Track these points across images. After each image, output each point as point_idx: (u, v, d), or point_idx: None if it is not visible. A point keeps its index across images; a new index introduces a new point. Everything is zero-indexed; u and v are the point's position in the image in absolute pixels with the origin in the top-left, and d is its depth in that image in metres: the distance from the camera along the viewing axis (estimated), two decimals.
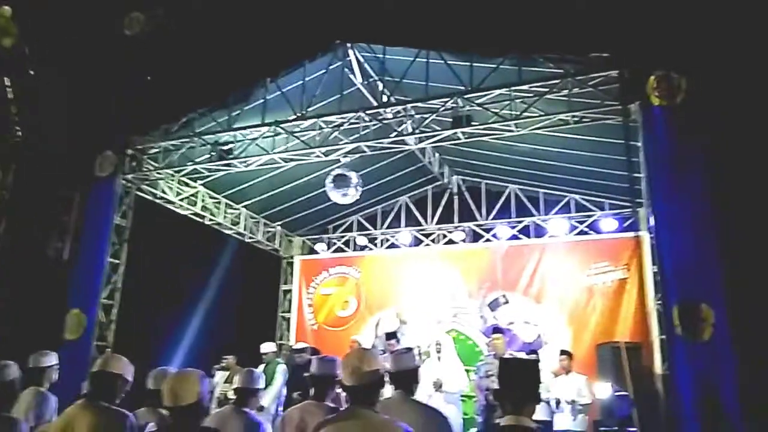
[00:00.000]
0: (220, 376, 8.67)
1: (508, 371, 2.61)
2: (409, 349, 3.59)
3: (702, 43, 6.44)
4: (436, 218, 11.88)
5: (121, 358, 3.46)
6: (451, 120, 7.68)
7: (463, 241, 11.54)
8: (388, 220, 12.30)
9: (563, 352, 8.03)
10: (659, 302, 7.10)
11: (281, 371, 8.10)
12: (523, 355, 8.51)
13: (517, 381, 2.52)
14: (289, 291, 12.75)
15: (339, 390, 3.84)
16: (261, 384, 4.20)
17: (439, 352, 8.34)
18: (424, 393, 8.08)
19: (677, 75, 6.26)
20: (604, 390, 7.38)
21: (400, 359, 3.32)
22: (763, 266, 7.05)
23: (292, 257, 12.96)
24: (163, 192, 9.78)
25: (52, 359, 4.52)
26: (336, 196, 8.98)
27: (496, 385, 6.65)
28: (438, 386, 7.90)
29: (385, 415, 2.66)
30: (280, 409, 7.86)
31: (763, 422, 5.63)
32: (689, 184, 6.01)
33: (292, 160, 8.87)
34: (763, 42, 6.60)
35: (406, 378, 3.25)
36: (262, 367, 8.15)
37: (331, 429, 2.62)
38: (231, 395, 4.69)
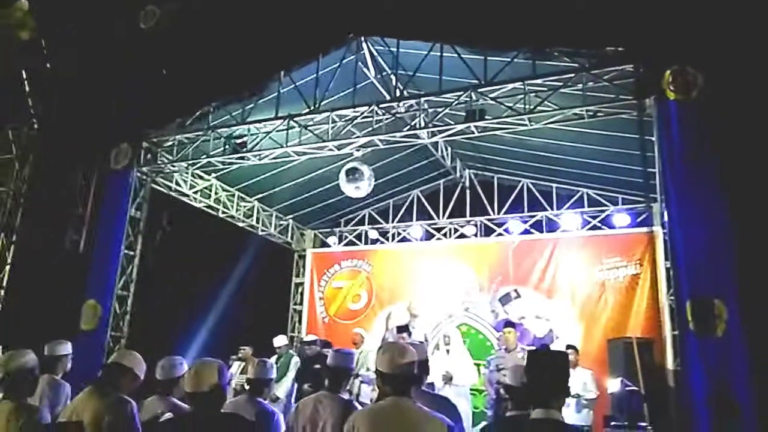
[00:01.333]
0: (236, 366, 8.78)
1: (537, 363, 2.60)
2: (422, 342, 3.66)
3: (718, 37, 6.37)
4: (447, 212, 11.88)
5: (136, 356, 3.62)
6: (464, 114, 7.67)
7: (475, 235, 11.54)
8: (400, 213, 12.32)
9: (569, 347, 8.05)
10: (672, 298, 7.08)
11: (294, 364, 8.19)
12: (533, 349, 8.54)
13: (547, 373, 2.50)
14: (301, 284, 12.83)
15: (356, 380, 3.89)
16: (273, 374, 4.28)
17: (447, 344, 8.37)
18: (434, 386, 8.12)
19: (693, 70, 6.21)
20: (614, 385, 7.37)
21: (414, 350, 3.38)
22: None
23: (304, 250, 13.03)
24: (177, 185, 9.87)
25: (67, 348, 4.62)
26: (349, 190, 9.02)
27: (506, 379, 6.68)
28: (448, 379, 7.92)
29: (424, 407, 2.70)
30: (292, 399, 7.95)
31: None
32: (704, 179, 5.98)
33: (305, 153, 8.91)
34: None
35: (418, 369, 3.27)
36: (274, 358, 8.24)
37: (367, 416, 2.69)
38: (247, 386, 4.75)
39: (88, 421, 3.19)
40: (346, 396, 3.52)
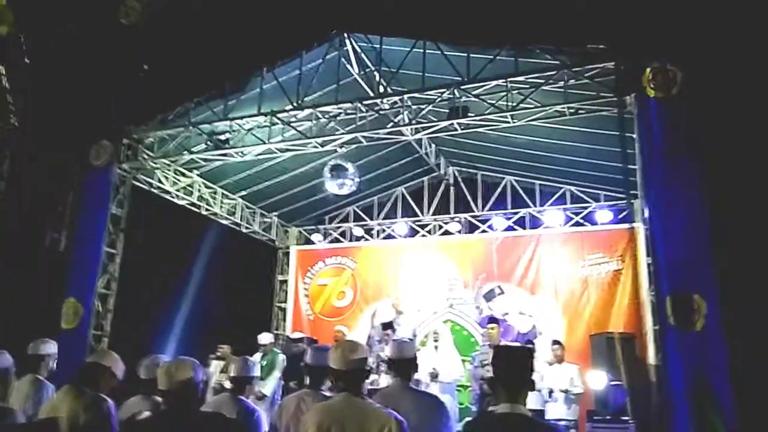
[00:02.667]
0: (215, 365, 8.72)
1: (501, 358, 2.64)
2: (411, 339, 3.70)
3: (698, 35, 6.45)
4: (432, 209, 11.91)
5: (113, 355, 3.59)
6: (447, 111, 7.68)
7: (459, 232, 11.58)
8: (385, 210, 12.33)
9: (555, 342, 8.11)
10: (653, 293, 7.15)
11: (280, 361, 8.17)
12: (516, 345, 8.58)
13: (511, 368, 2.54)
14: (286, 281, 12.78)
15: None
16: (256, 372, 4.25)
17: (436, 341, 8.37)
18: (420, 383, 8.14)
19: (673, 67, 6.27)
20: (600, 380, 7.44)
21: (401, 348, 3.44)
22: (756, 258, 7.11)
23: (288, 248, 12.98)
24: (159, 182, 9.77)
25: (51, 347, 4.50)
26: (333, 187, 9.00)
27: (491, 375, 6.70)
28: (434, 376, 7.95)
29: (376, 403, 2.74)
30: (278, 397, 7.93)
31: (754, 412, 5.69)
32: (684, 176, 6.05)
33: (288, 150, 8.87)
34: (758, 35, 6.62)
35: (406, 366, 3.35)
36: (258, 356, 8.21)
37: (317, 412, 2.71)
38: (227, 385, 4.72)
39: (64, 420, 3.16)
40: (327, 393, 3.51)
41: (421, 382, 7.96)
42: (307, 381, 3.68)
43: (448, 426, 3.17)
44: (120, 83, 9.07)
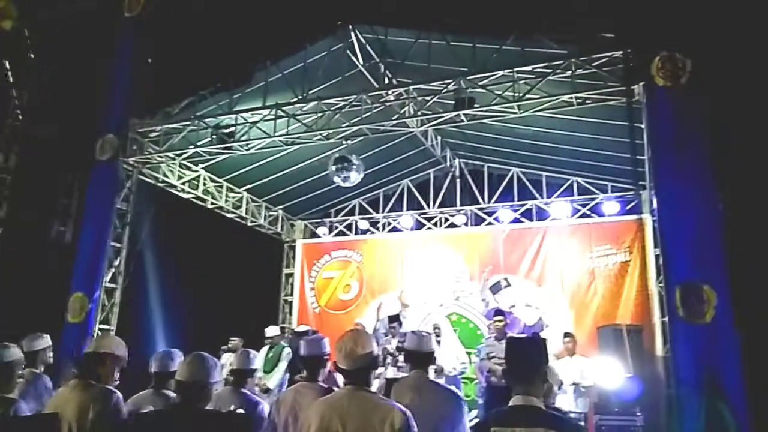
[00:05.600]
0: (226, 357, 8.73)
1: (515, 350, 2.61)
2: (429, 333, 3.74)
3: (706, 24, 6.36)
4: (438, 202, 11.87)
5: (109, 336, 3.57)
6: (453, 102, 7.62)
7: (465, 224, 11.53)
8: (390, 203, 12.29)
9: (567, 335, 8.04)
10: (661, 285, 7.09)
11: (286, 354, 8.15)
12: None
13: (523, 360, 2.51)
14: (291, 275, 12.79)
15: (330, 369, 3.88)
16: (257, 364, 4.29)
17: (438, 336, 8.32)
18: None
19: (682, 56, 6.20)
20: (615, 372, 7.34)
21: (421, 341, 3.56)
22: (767, 249, 7.03)
23: (294, 241, 12.98)
24: (165, 176, 9.75)
25: (44, 341, 4.54)
26: (338, 180, 8.96)
27: (497, 367, 6.66)
28: (440, 371, 7.92)
29: (381, 396, 2.72)
30: (284, 390, 7.92)
31: (764, 404, 5.64)
32: (693, 166, 5.98)
33: (293, 143, 8.84)
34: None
35: (425, 359, 3.48)
36: (265, 349, 8.20)
37: (320, 406, 2.68)
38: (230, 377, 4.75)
39: (72, 414, 3.14)
40: (324, 385, 3.50)
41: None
42: (304, 373, 3.66)
43: (462, 421, 3.25)
44: (125, 77, 9.05)
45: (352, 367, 2.67)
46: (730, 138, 6.91)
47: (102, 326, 8.63)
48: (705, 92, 6.16)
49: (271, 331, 8.64)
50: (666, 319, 6.68)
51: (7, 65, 10.09)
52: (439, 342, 8.25)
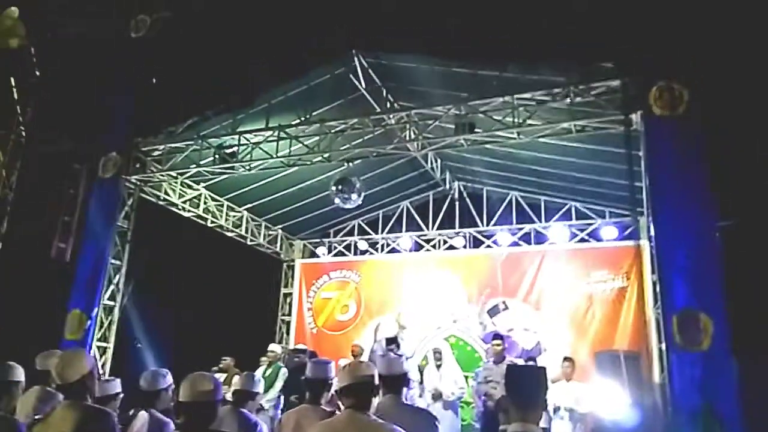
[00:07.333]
0: (217, 377, 8.69)
1: (514, 377, 2.63)
2: (400, 356, 3.72)
3: (704, 54, 6.47)
4: (437, 224, 11.92)
5: (76, 354, 3.29)
6: (453, 126, 7.71)
7: (464, 246, 11.57)
8: (389, 224, 12.35)
9: (566, 359, 8.02)
10: (658, 311, 7.12)
11: (282, 375, 8.15)
12: (521, 361, 8.53)
13: (523, 387, 2.53)
14: (290, 294, 12.79)
15: (333, 392, 3.90)
16: (260, 389, 4.27)
17: (438, 360, 8.30)
18: (422, 401, 8.10)
19: (679, 86, 6.30)
20: (615, 400, 7.32)
21: (390, 364, 3.48)
22: (764, 277, 7.07)
23: (293, 261, 13.00)
24: (166, 194, 9.82)
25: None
26: (338, 201, 9.02)
27: (495, 391, 6.66)
28: (437, 396, 7.91)
29: (380, 420, 2.73)
30: (279, 411, 7.90)
31: None
32: (690, 194, 6.04)
33: (294, 164, 8.91)
34: (765, 54, 6.63)
35: (397, 382, 3.39)
36: (261, 369, 8.20)
37: (325, 429, 2.71)
38: (229, 397, 4.73)
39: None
40: (327, 408, 3.52)
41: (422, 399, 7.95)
42: (307, 395, 3.68)
43: None
44: (129, 96, 9.14)
45: (350, 388, 2.72)
46: (727, 166, 6.98)
47: (99, 343, 8.63)
48: (703, 121, 6.25)
49: (273, 347, 8.66)
50: (663, 345, 6.70)
51: (12, 82, 10.18)
52: (439, 366, 8.25)
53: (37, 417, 3.35)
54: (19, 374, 3.53)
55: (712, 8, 6.26)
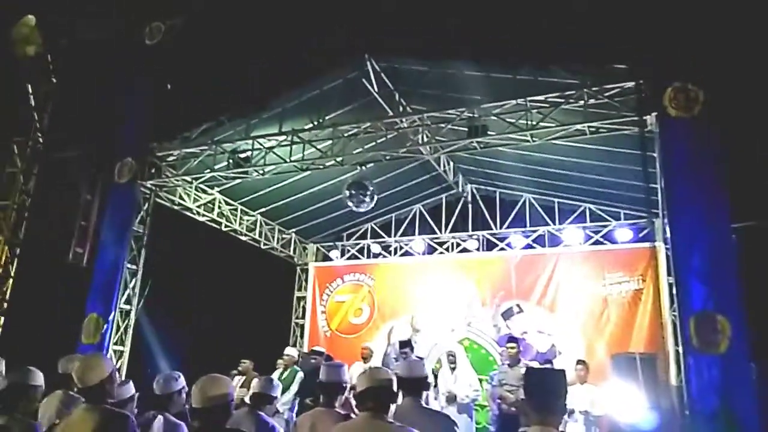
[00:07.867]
0: (236, 380, 8.74)
1: (534, 380, 2.63)
2: (421, 358, 3.73)
3: (719, 55, 6.43)
4: (450, 226, 11.90)
5: (92, 361, 3.28)
6: (466, 129, 7.71)
7: (477, 249, 11.54)
8: (402, 227, 12.35)
9: (580, 362, 7.99)
10: (674, 313, 7.07)
11: (298, 378, 8.19)
12: (536, 365, 8.50)
13: (542, 391, 2.52)
14: (303, 298, 12.83)
15: (348, 395, 3.91)
16: (277, 393, 4.29)
17: (452, 364, 8.28)
18: (436, 404, 8.08)
19: (694, 87, 6.26)
20: (631, 403, 7.26)
21: (411, 367, 3.50)
22: None
23: (306, 264, 13.04)
24: (181, 198, 9.90)
25: None
26: (351, 205, 9.05)
27: (510, 395, 6.63)
28: (451, 399, 7.88)
29: (398, 423, 2.74)
30: (294, 414, 7.93)
31: None
32: (706, 196, 6.01)
33: (308, 168, 8.96)
34: None
35: (417, 385, 3.39)
36: (278, 372, 8.24)
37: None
38: (247, 399, 4.76)
39: None
40: (342, 411, 3.53)
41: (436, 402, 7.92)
42: (321, 399, 3.70)
43: None
44: (144, 102, 9.24)
45: (368, 390, 2.75)
46: (743, 168, 6.93)
47: (116, 347, 8.71)
48: (718, 123, 6.21)
49: (290, 350, 8.69)
50: (680, 348, 6.65)
51: (30, 89, 10.33)
52: (453, 369, 8.23)
53: (56, 422, 3.41)
54: (38, 378, 3.57)
55: (727, 9, 6.22)
